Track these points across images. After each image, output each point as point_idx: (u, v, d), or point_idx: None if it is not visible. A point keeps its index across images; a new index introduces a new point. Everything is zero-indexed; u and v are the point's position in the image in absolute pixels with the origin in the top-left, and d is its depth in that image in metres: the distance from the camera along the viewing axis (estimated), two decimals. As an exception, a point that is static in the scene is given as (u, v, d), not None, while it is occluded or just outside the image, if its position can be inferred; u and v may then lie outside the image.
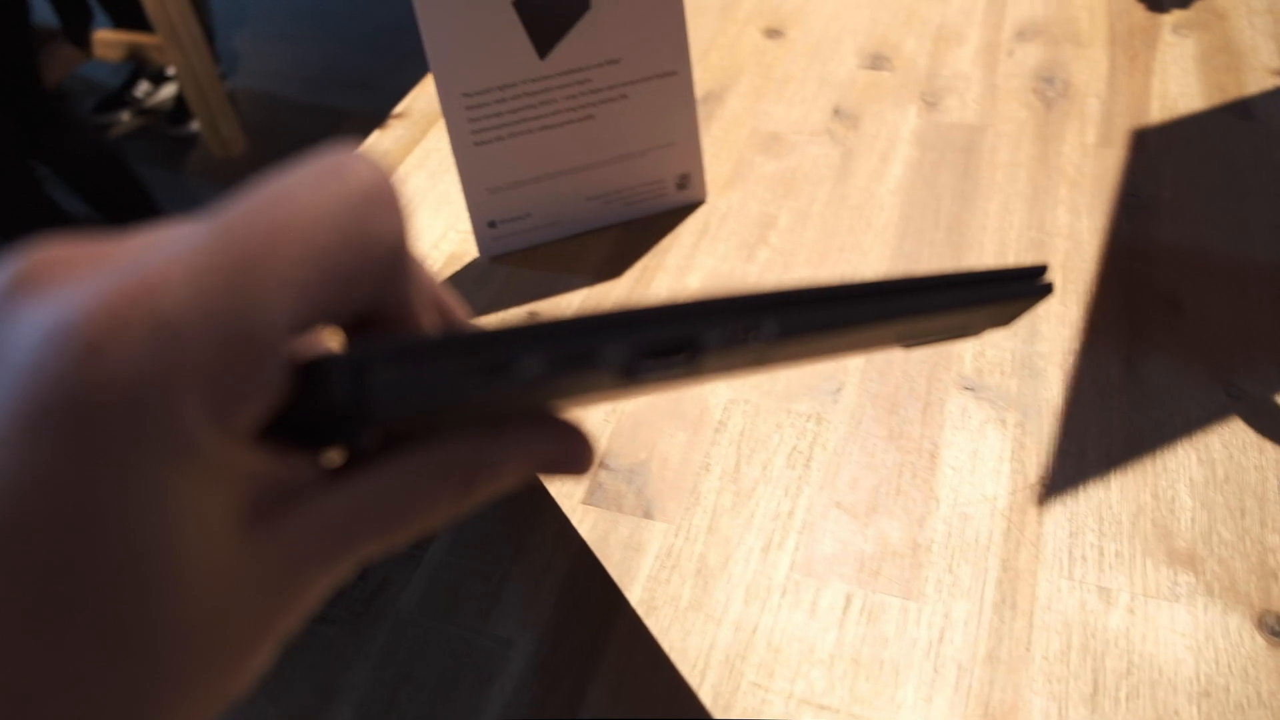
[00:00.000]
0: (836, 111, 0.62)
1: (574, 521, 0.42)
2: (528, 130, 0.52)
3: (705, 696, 0.36)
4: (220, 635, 0.17)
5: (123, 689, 0.16)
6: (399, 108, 0.67)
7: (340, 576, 0.18)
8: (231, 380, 0.15)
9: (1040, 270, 0.23)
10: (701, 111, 0.63)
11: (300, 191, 0.16)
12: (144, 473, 0.14)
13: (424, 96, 0.67)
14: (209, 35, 2.02)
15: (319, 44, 2.42)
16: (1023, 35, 0.67)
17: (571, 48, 0.50)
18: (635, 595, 0.39)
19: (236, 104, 2.12)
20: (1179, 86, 0.61)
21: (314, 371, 0.16)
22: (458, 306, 0.21)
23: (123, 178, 1.66)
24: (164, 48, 1.89)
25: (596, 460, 0.21)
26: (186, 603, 0.16)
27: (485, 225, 0.54)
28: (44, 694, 0.15)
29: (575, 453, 0.20)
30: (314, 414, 0.17)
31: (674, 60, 0.52)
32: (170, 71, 2.11)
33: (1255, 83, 0.61)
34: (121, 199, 1.65)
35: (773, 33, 0.70)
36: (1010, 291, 0.23)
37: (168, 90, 2.14)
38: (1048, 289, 0.23)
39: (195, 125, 2.05)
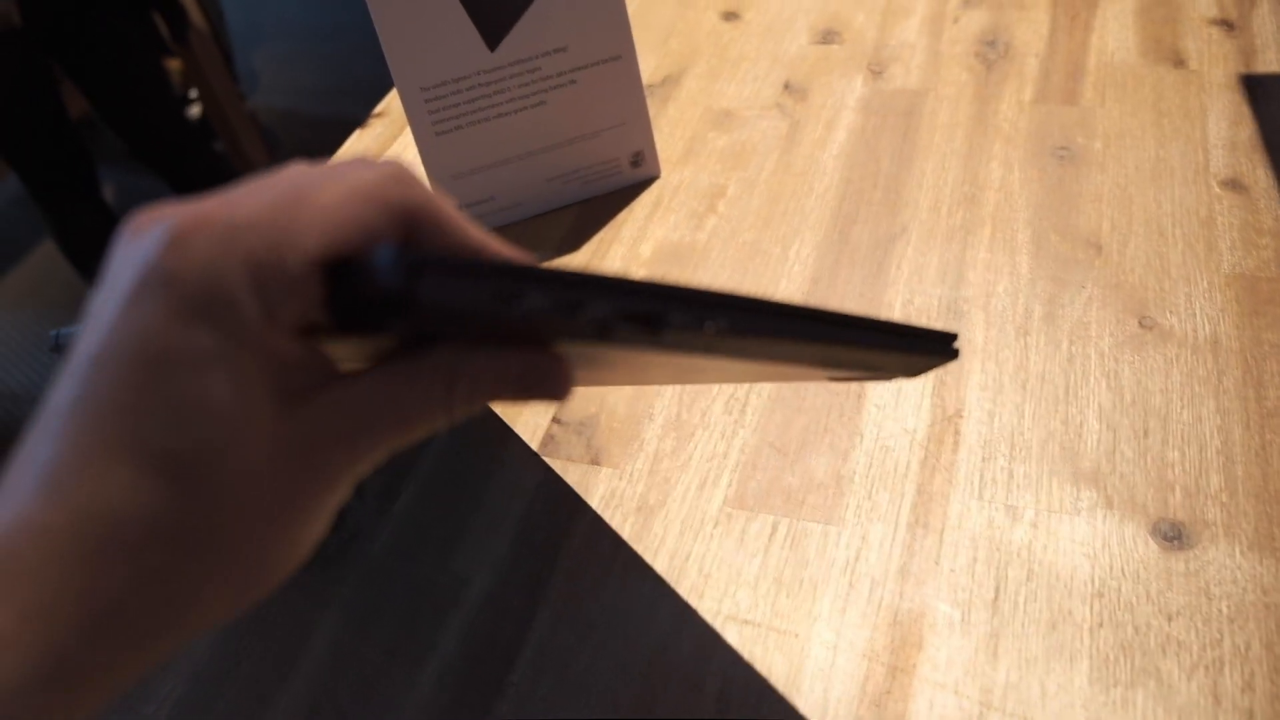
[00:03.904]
0: (787, 86, 0.65)
1: (528, 470, 0.46)
2: (485, 119, 0.56)
3: (639, 617, 0.39)
4: (262, 498, 0.21)
5: (188, 526, 0.20)
6: (379, 107, 0.71)
7: (354, 471, 0.22)
8: (273, 276, 0.20)
9: (952, 337, 0.27)
10: (659, 94, 0.67)
11: (339, 167, 0.23)
12: (209, 335, 0.20)
13: (402, 96, 0.71)
14: (227, 57, 2.08)
15: (332, 57, 2.49)
16: (969, 2, 0.69)
17: (520, 39, 0.54)
18: (580, 532, 0.43)
19: (258, 121, 2.20)
20: (1117, 41, 0.64)
21: (367, 264, 0.21)
22: (496, 247, 0.25)
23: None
24: (184, 71, 1.97)
25: (568, 394, 0.24)
26: (236, 450, 0.20)
27: (453, 210, 0.58)
28: (127, 511, 0.19)
29: (548, 374, 0.23)
30: (356, 302, 0.21)
31: (618, 45, 0.56)
32: (192, 94, 2.19)
33: (1191, 32, 0.63)
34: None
35: (730, 16, 0.73)
36: (923, 347, 0.26)
37: (191, 112, 2.21)
38: (954, 354, 0.27)
39: (219, 145, 2.12)
